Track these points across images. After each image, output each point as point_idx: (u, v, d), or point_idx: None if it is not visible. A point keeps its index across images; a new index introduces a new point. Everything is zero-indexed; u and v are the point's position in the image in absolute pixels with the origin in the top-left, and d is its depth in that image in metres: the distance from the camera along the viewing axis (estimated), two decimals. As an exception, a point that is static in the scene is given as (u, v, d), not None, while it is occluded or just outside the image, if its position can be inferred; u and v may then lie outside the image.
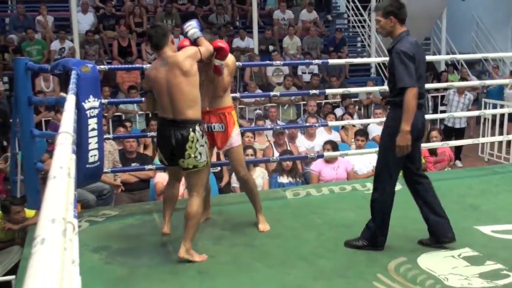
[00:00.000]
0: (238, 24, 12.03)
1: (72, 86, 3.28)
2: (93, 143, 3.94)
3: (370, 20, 11.90)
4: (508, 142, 7.99)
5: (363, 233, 3.62)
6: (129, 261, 3.48)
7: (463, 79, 10.50)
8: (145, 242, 3.80)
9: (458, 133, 8.61)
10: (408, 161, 3.53)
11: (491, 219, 4.12)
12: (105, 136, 4.58)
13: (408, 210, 3.79)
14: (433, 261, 3.38)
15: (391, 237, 3.63)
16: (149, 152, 6.39)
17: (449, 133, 8.46)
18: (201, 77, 3.53)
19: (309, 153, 6.19)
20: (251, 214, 4.09)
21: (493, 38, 13.00)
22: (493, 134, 8.34)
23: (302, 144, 6.87)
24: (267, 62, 7.76)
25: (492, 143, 8.54)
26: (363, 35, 12.41)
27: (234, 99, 4.46)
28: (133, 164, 5.69)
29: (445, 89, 9.09)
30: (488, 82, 8.16)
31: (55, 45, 9.80)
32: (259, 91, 8.93)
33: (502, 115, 8.17)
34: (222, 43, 3.68)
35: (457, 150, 8.35)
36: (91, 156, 3.96)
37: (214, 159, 5.19)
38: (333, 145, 5.94)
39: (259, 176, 5.69)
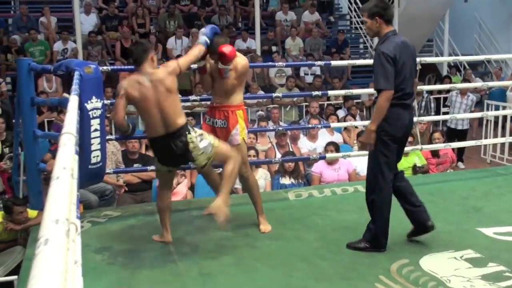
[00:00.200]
0: (240, 25, 12.05)
1: (75, 87, 3.29)
2: (95, 143, 3.94)
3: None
4: (511, 143, 7.98)
5: (364, 235, 3.61)
6: (131, 262, 3.48)
7: (466, 80, 10.49)
8: (147, 243, 3.79)
9: (461, 135, 8.59)
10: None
11: (493, 221, 4.12)
12: (107, 137, 4.58)
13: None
14: (435, 263, 3.38)
15: (393, 239, 3.63)
16: (151, 153, 6.37)
17: (452, 134, 8.45)
18: (213, 74, 3.79)
19: (311, 154, 6.19)
20: (254, 215, 4.09)
21: (495, 39, 12.98)
22: (495, 136, 8.33)
23: (304, 145, 6.87)
24: (270, 63, 7.76)
25: (494, 145, 8.52)
26: (365, 36, 12.42)
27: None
28: (135, 165, 5.69)
29: (448, 91, 9.08)
30: (490, 83, 8.15)
31: (58, 46, 9.82)
32: (261, 92, 8.93)
33: (505, 117, 8.16)
34: (225, 49, 3.68)
35: (460, 151, 8.34)
36: (94, 157, 3.97)
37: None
38: (336, 147, 5.94)
39: (261, 177, 5.69)
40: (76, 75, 3.72)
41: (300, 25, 11.79)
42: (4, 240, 4.34)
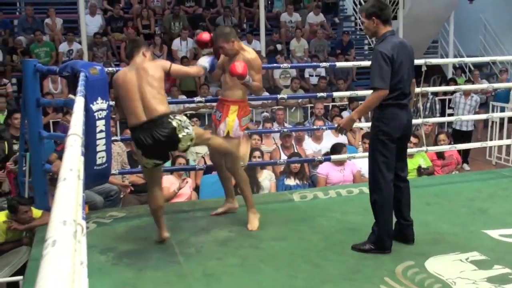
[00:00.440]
0: (245, 27, 12.05)
1: (80, 88, 3.30)
2: (101, 144, 3.95)
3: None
4: (516, 145, 7.96)
5: (369, 237, 3.61)
6: (136, 263, 3.49)
7: (472, 82, 10.45)
8: (152, 244, 3.80)
9: (465, 136, 8.57)
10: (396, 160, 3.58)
11: (499, 223, 4.10)
12: (113, 138, 4.60)
13: (415, 214, 3.77)
14: (440, 265, 3.37)
15: (399, 241, 3.63)
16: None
17: (457, 136, 8.42)
18: (224, 70, 3.99)
19: (316, 156, 6.18)
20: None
21: (501, 41, 12.95)
22: (500, 138, 8.30)
23: (309, 147, 6.87)
24: (274, 65, 7.76)
25: (499, 147, 8.50)
26: (369, 38, 12.37)
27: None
28: (139, 166, 5.69)
29: (453, 92, 9.06)
30: (496, 85, 8.13)
31: (63, 47, 9.84)
32: (266, 94, 8.91)
33: (510, 118, 8.14)
34: (235, 69, 3.78)
35: (465, 153, 8.31)
36: (99, 157, 3.98)
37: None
38: (344, 147, 6.02)
39: (266, 178, 5.69)
40: (82, 76, 3.73)
41: (305, 26, 11.78)
42: (9, 240, 4.35)
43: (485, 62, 12.42)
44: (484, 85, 8.51)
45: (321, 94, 5.52)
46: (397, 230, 3.68)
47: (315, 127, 6.75)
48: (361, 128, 7.22)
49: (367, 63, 5.94)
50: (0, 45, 9.86)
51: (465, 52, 12.44)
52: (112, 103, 4.14)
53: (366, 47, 12.90)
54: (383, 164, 3.49)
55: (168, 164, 5.10)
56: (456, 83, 9.87)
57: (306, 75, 10.34)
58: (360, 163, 6.00)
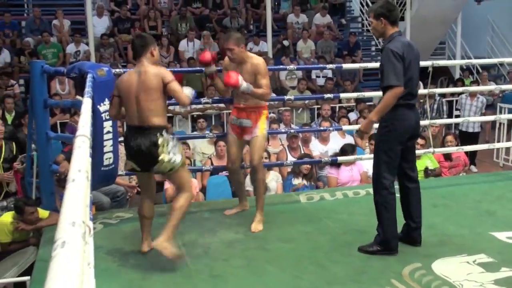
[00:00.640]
0: (252, 28, 12.06)
1: (88, 89, 3.31)
2: (108, 145, 3.97)
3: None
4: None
5: (375, 238, 3.60)
6: (142, 264, 3.50)
7: (479, 83, 10.39)
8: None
9: (472, 138, 8.53)
10: (403, 161, 3.57)
11: (506, 225, 4.08)
12: (120, 139, 4.61)
13: (422, 216, 3.75)
14: (448, 267, 3.36)
15: (406, 243, 3.62)
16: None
17: (464, 137, 8.38)
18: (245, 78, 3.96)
19: (323, 157, 6.18)
20: (265, 217, 4.10)
21: (508, 42, 12.89)
22: (508, 139, 8.26)
23: (316, 148, 6.86)
24: (281, 66, 7.76)
25: (507, 148, 8.45)
26: (377, 39, 12.36)
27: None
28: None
29: (460, 94, 9.03)
30: (503, 86, 8.08)
31: (71, 48, 9.89)
32: (273, 95, 8.93)
33: (518, 120, 8.09)
34: (228, 79, 3.89)
35: (472, 155, 8.27)
36: (106, 158, 4.00)
37: (223, 163, 5.23)
38: (353, 148, 6.13)
39: (273, 179, 5.69)
40: (89, 77, 3.74)
41: (312, 27, 11.77)
42: (16, 240, 4.36)
43: (493, 63, 12.36)
44: (492, 86, 8.46)
45: (328, 95, 5.51)
46: (405, 232, 3.67)
47: (322, 128, 6.74)
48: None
49: (374, 64, 5.95)
50: (8, 46, 9.92)
51: (473, 54, 12.39)
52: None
53: (373, 48, 12.87)
54: (385, 164, 3.49)
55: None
56: (463, 84, 9.83)
57: (313, 76, 10.33)
58: (367, 164, 6.00)
